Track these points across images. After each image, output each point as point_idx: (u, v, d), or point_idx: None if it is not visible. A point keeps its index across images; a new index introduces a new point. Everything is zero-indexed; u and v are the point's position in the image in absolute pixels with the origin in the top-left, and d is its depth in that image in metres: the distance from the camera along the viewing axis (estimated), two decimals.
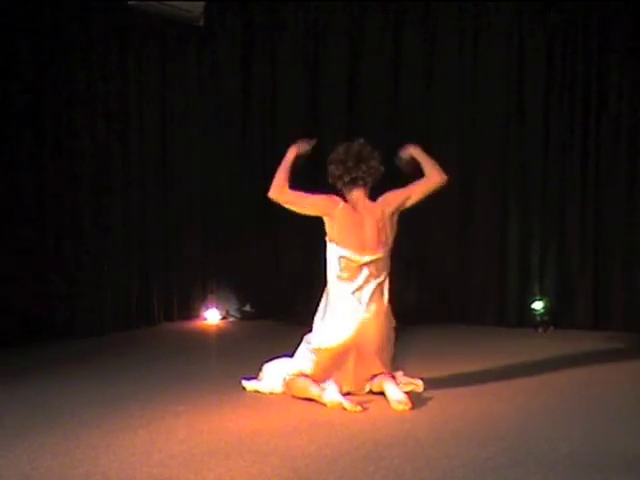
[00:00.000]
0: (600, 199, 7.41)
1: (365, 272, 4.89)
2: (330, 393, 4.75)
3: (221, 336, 7.59)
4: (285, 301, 8.36)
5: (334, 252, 4.94)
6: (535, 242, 7.62)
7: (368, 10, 8.09)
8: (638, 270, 7.31)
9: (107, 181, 7.48)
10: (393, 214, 5.05)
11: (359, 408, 4.64)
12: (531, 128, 7.60)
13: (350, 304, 4.87)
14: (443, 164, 7.75)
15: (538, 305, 7.46)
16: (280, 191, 5.08)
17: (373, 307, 4.88)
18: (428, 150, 7.69)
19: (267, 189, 8.30)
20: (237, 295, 8.40)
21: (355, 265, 4.89)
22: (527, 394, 5.01)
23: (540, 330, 7.34)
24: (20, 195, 6.87)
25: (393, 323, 5.02)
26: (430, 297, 7.92)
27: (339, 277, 4.91)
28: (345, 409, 4.63)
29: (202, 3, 7.88)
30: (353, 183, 5.03)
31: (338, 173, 5.03)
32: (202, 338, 7.47)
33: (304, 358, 4.99)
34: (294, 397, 4.93)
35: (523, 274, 7.65)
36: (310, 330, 5.06)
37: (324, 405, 4.72)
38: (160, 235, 8.02)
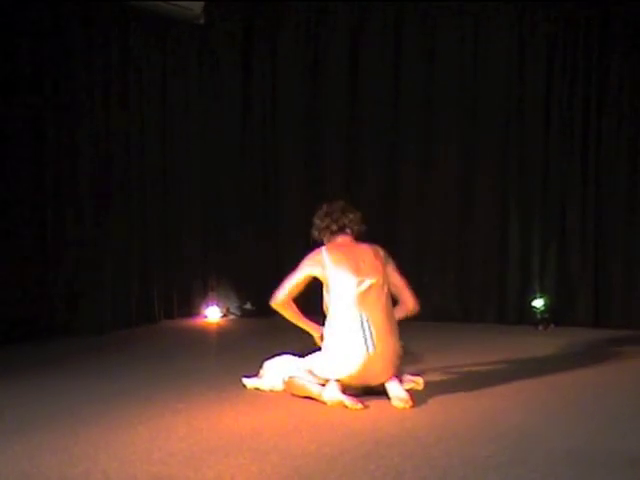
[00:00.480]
0: (600, 197, 7.42)
1: (367, 301, 4.78)
2: (330, 391, 4.74)
3: (221, 334, 7.59)
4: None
5: (335, 288, 4.83)
6: (535, 240, 7.62)
7: (368, 10, 8.07)
8: (638, 268, 7.30)
9: (107, 180, 7.48)
10: (386, 261, 4.98)
11: (360, 406, 4.63)
12: (531, 127, 7.60)
13: (354, 338, 4.74)
14: (443, 163, 7.84)
15: (538, 303, 7.46)
16: (284, 305, 5.15)
17: (379, 342, 4.73)
18: (428, 150, 7.75)
19: (267, 188, 8.41)
20: (237, 293, 8.40)
21: (356, 294, 4.78)
22: (528, 392, 5.00)
23: (540, 328, 7.34)
24: (20, 195, 6.87)
25: (401, 344, 4.94)
26: (430, 295, 7.90)
27: (342, 310, 4.80)
28: (346, 407, 4.63)
29: (202, 2, 7.87)
30: (340, 231, 5.02)
31: (324, 225, 5.04)
32: (202, 336, 7.47)
33: (307, 377, 4.95)
34: (294, 395, 4.92)
35: (524, 272, 7.65)
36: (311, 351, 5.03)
37: (324, 403, 4.71)
38: (160, 233, 8.02)
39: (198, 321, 8.09)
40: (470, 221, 7.86)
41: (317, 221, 5.10)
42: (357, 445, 3.95)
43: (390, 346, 4.79)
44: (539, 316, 7.42)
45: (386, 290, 4.87)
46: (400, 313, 5.01)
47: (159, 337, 7.36)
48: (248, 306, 8.34)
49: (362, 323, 4.74)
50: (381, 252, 4.99)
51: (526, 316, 7.55)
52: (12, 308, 6.70)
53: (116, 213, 7.55)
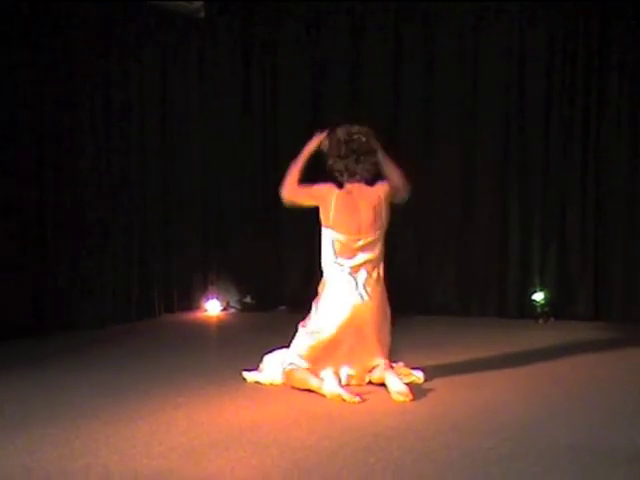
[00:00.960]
0: (601, 191, 7.41)
1: (360, 255, 4.93)
2: (329, 384, 4.75)
3: (221, 327, 7.59)
4: (286, 292, 8.37)
5: (329, 236, 4.97)
6: (536, 233, 7.62)
7: (368, 7, 8.05)
8: (638, 261, 7.31)
9: (107, 175, 7.48)
10: (388, 199, 5.05)
11: (358, 399, 4.64)
12: (532, 125, 7.59)
13: (345, 288, 4.90)
14: (443, 162, 7.83)
15: (539, 296, 7.46)
16: (292, 191, 5.08)
17: (368, 290, 4.91)
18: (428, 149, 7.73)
19: (267, 181, 8.41)
20: (237, 286, 8.40)
21: (350, 248, 4.92)
22: (528, 386, 5.01)
23: (541, 321, 7.35)
24: (21, 189, 6.86)
25: (388, 309, 5.02)
26: (431, 288, 7.92)
27: (334, 261, 4.94)
28: (344, 400, 4.63)
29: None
30: (351, 177, 5.03)
31: (337, 168, 5.04)
32: (202, 329, 7.48)
33: (300, 342, 5.00)
34: (293, 388, 4.93)
35: (524, 265, 7.65)
36: (304, 317, 5.07)
37: (324, 396, 4.72)
38: (161, 227, 8.02)
39: (198, 315, 8.10)
40: (471, 219, 7.85)
41: (330, 160, 5.04)
42: (357, 438, 3.95)
43: (377, 292, 4.94)
44: (539, 310, 7.42)
45: (380, 241, 5.01)
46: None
47: (159, 331, 7.37)
48: (248, 300, 8.34)
49: (351, 275, 4.89)
50: (383, 194, 5.01)
51: (526, 310, 7.55)
52: (12, 303, 6.70)
53: (116, 207, 7.54)
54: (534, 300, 7.48)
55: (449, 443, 3.86)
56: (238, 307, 8.36)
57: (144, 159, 7.85)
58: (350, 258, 4.93)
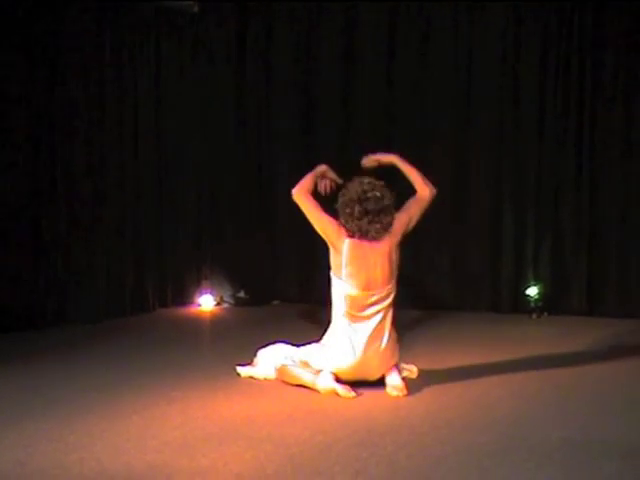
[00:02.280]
0: (595, 184, 7.41)
1: (370, 309, 4.76)
2: (323, 380, 4.76)
3: (215, 322, 7.59)
4: (280, 287, 8.38)
5: (340, 289, 4.78)
6: (529, 227, 7.62)
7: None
8: (633, 256, 7.33)
9: (101, 168, 7.47)
10: (399, 242, 4.91)
11: (353, 394, 4.65)
12: (525, 114, 7.59)
13: (352, 338, 4.74)
14: (436, 152, 7.83)
15: (532, 291, 7.47)
16: (302, 193, 4.99)
17: (376, 343, 4.74)
18: (421, 145, 7.72)
19: (262, 175, 8.41)
20: (231, 281, 8.40)
21: (362, 304, 4.75)
22: (521, 381, 5.02)
23: (534, 316, 7.36)
24: (12, 182, 6.86)
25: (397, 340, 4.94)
26: (423, 284, 7.92)
27: (345, 313, 4.78)
28: (339, 396, 4.64)
29: None
30: (364, 237, 4.79)
31: (349, 228, 4.78)
32: (196, 324, 7.48)
33: (304, 355, 4.96)
34: (286, 383, 4.94)
35: (517, 260, 7.66)
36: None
37: (318, 392, 4.73)
38: (154, 221, 8.01)
39: (192, 310, 8.10)
40: (464, 213, 7.85)
41: (343, 218, 4.80)
42: (350, 433, 3.97)
43: (385, 340, 4.78)
44: (533, 304, 7.43)
45: (393, 291, 4.85)
46: (418, 207, 5.06)
47: (153, 326, 7.36)
48: (242, 294, 8.34)
49: (359, 325, 4.75)
50: (395, 241, 4.86)
51: (520, 305, 7.56)
52: (4, 296, 6.69)
53: (109, 200, 7.53)
54: (527, 295, 7.48)
55: (443, 438, 3.87)
56: (232, 302, 8.35)
57: (137, 154, 7.83)
58: (361, 311, 4.75)
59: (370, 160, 5.18)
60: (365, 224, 4.73)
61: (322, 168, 5.16)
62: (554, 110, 7.51)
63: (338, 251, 4.80)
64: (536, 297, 7.45)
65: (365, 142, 7.58)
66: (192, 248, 8.37)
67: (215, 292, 8.34)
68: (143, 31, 7.81)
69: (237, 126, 8.49)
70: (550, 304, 7.46)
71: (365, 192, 4.77)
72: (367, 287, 4.75)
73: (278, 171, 8.30)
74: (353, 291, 4.75)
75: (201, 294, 8.28)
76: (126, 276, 7.68)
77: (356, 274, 4.74)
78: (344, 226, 4.80)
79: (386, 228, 4.80)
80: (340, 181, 5.11)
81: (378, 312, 4.76)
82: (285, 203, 8.11)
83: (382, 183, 4.87)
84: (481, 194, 7.80)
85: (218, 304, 8.29)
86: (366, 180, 4.84)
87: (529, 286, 7.52)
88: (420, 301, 7.79)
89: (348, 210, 4.77)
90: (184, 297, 8.26)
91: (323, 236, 4.89)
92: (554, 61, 7.49)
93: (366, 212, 4.73)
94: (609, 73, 7.33)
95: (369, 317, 4.76)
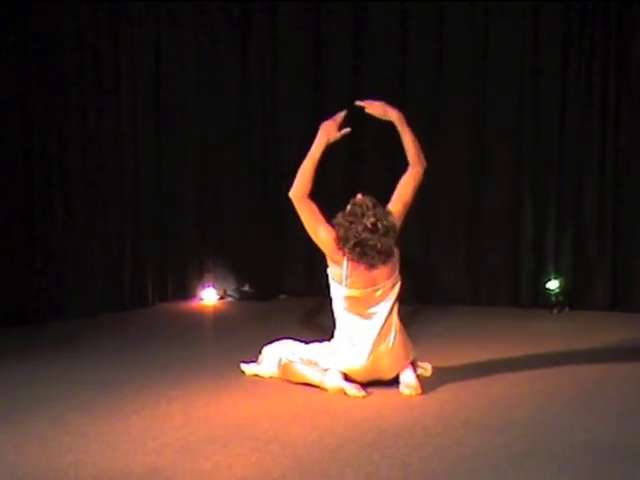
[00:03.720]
0: (620, 174, 7.37)
1: (377, 305, 4.72)
2: (332, 378, 4.73)
3: (218, 317, 7.58)
4: (286, 281, 8.37)
5: (341, 291, 4.74)
6: (551, 218, 7.58)
7: None
8: None
9: (98, 157, 7.45)
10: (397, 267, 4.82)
11: (363, 394, 4.62)
12: (547, 105, 7.54)
13: (359, 338, 4.71)
14: (454, 142, 7.80)
15: (553, 285, 7.44)
16: (300, 196, 4.76)
17: (385, 340, 4.71)
18: (437, 131, 7.68)
19: (267, 164, 8.39)
20: (235, 274, 8.38)
21: (366, 300, 4.71)
22: (542, 380, 4.99)
23: (555, 311, 7.33)
24: (6, 173, 6.87)
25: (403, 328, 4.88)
26: (440, 277, 7.89)
27: (348, 312, 4.75)
28: (348, 395, 4.62)
29: None
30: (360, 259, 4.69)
31: (348, 255, 4.66)
32: (198, 319, 7.47)
33: (310, 353, 4.93)
34: (290, 382, 4.91)
35: (538, 253, 7.62)
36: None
37: (326, 391, 4.71)
38: (155, 211, 8.00)
39: (194, 304, 8.09)
40: (481, 202, 7.82)
41: (345, 247, 4.66)
42: (361, 434, 3.95)
43: (396, 344, 4.74)
44: (553, 299, 7.40)
45: (397, 287, 4.78)
46: (411, 185, 4.97)
47: (153, 321, 7.36)
48: (246, 288, 8.32)
49: (366, 319, 4.71)
50: (396, 261, 4.77)
51: (540, 299, 7.53)
52: None
53: (108, 191, 7.52)
54: (548, 288, 7.45)
55: (459, 439, 3.85)
56: (236, 296, 8.34)
57: (137, 143, 7.80)
58: (366, 309, 4.71)
59: (376, 107, 5.04)
60: (369, 258, 4.62)
61: (321, 146, 4.81)
62: (577, 98, 7.45)
63: (336, 263, 4.74)
64: (557, 291, 7.41)
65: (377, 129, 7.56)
66: (194, 239, 8.35)
67: (218, 285, 8.32)
68: (142, 25, 7.81)
69: (241, 116, 8.46)
70: (572, 298, 7.43)
71: (367, 240, 4.58)
72: (372, 284, 4.70)
73: (285, 163, 8.29)
74: (356, 292, 4.71)
75: (203, 288, 8.26)
76: (124, 269, 7.66)
77: (360, 280, 4.69)
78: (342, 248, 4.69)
79: (381, 259, 4.66)
80: (348, 130, 4.87)
81: (384, 307, 4.72)
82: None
83: (386, 212, 4.71)
84: (500, 184, 7.75)
85: (221, 298, 8.27)
86: (370, 219, 4.61)
87: (550, 279, 7.48)
88: (435, 296, 7.77)
89: (350, 246, 4.62)
90: (185, 291, 8.24)
91: (321, 247, 4.80)
92: (576, 45, 7.43)
93: (363, 244, 4.59)
94: (636, 60, 7.26)
95: (375, 314, 4.72)
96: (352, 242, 4.60)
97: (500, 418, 4.19)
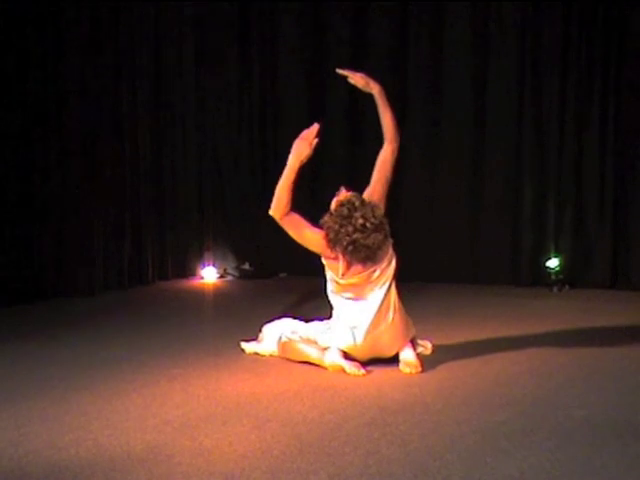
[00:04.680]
0: (620, 151, 7.36)
1: (375, 284, 4.73)
2: (331, 356, 4.75)
3: (218, 296, 7.60)
4: (287, 259, 8.37)
5: (336, 279, 4.75)
6: (550, 196, 7.58)
7: None
8: None
9: (96, 134, 7.46)
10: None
11: (363, 372, 4.64)
12: (546, 80, 7.52)
13: (358, 317, 4.72)
14: (453, 119, 7.79)
15: (553, 263, 7.45)
16: (280, 215, 4.80)
17: (385, 318, 4.72)
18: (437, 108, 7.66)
19: (267, 141, 8.39)
20: (235, 253, 8.40)
21: (364, 282, 4.72)
22: (542, 358, 5.01)
23: (555, 289, 7.34)
24: (4, 151, 6.86)
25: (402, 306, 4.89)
26: (440, 255, 7.90)
27: (342, 293, 4.77)
28: (347, 373, 4.64)
29: None
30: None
31: (342, 254, 4.67)
32: (198, 298, 7.49)
33: (310, 331, 4.95)
34: (290, 360, 4.93)
35: (537, 231, 7.63)
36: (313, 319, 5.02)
37: (325, 369, 4.73)
38: (154, 189, 8.01)
39: (194, 282, 8.10)
40: (481, 179, 7.83)
41: (335, 247, 4.67)
42: (361, 412, 3.97)
43: (396, 321, 4.76)
44: (553, 277, 7.41)
45: (393, 263, 4.77)
46: (389, 163, 4.90)
47: (153, 299, 7.38)
48: (246, 267, 8.34)
49: (357, 310, 4.72)
50: (389, 243, 4.77)
51: (540, 277, 7.54)
52: None
53: (107, 169, 7.52)
54: (548, 267, 7.46)
55: (458, 417, 3.87)
56: (236, 274, 8.36)
57: (137, 121, 7.81)
58: (364, 289, 4.72)
59: (359, 78, 5.02)
60: (359, 259, 4.65)
61: (295, 166, 4.75)
62: (577, 76, 7.43)
63: (331, 259, 4.74)
64: (557, 269, 7.43)
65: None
66: (194, 217, 8.36)
67: (218, 264, 8.34)
68: (143, 24, 7.85)
69: (241, 94, 8.46)
70: (572, 277, 7.45)
71: (358, 240, 4.58)
72: (368, 268, 4.70)
73: (286, 138, 8.28)
74: (353, 280, 4.72)
75: (204, 266, 8.29)
76: (124, 247, 7.68)
77: (356, 270, 4.70)
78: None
79: (371, 262, 4.69)
80: (315, 139, 4.78)
81: (381, 287, 4.73)
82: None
83: (373, 208, 4.67)
84: (499, 160, 7.75)
85: (221, 277, 8.30)
86: (359, 221, 4.59)
87: (550, 258, 7.49)
88: (435, 274, 7.78)
89: (341, 245, 4.62)
90: (185, 269, 8.27)
91: (315, 251, 4.79)
92: (577, 22, 7.41)
93: (361, 248, 4.61)
94: (636, 27, 7.24)
95: (371, 292, 4.72)
96: (344, 243, 4.60)
97: (499, 396, 4.21)
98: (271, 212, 4.84)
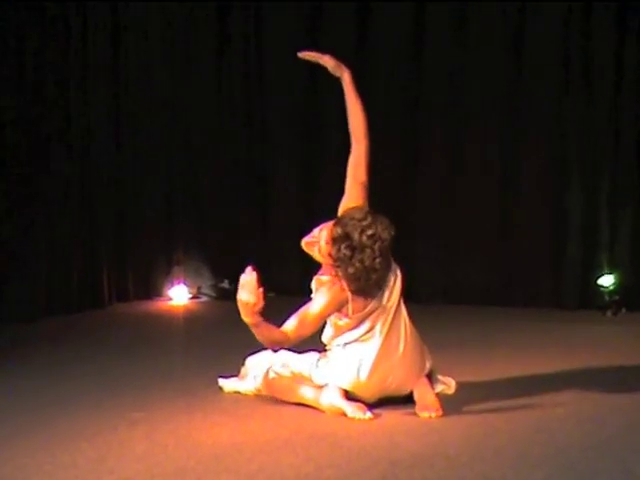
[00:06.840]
0: None
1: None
2: (329, 395, 4.74)
3: (191, 321, 7.62)
4: (275, 276, 8.39)
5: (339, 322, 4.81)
6: (603, 201, 7.61)
7: None
8: None
9: (42, 120, 7.51)
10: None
11: (369, 415, 4.63)
12: (597, 61, 7.60)
13: (364, 345, 4.75)
14: (481, 113, 7.86)
15: (607, 281, 7.48)
16: (292, 341, 4.75)
17: (395, 345, 4.76)
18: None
19: (253, 136, 8.46)
20: (211, 268, 8.42)
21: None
22: (592, 398, 5.01)
23: (609, 313, 7.37)
24: None
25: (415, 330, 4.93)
26: (471, 272, 7.91)
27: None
28: (349, 417, 4.63)
29: None
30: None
31: (341, 276, 4.75)
32: (166, 323, 7.51)
33: (305, 366, 4.97)
34: (277, 400, 4.93)
35: (587, 242, 7.66)
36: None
37: (323, 412, 4.73)
38: (112, 191, 8.03)
39: (160, 305, 8.12)
40: (517, 179, 7.88)
41: (339, 268, 4.74)
42: (368, 467, 3.96)
43: (409, 350, 4.79)
44: (607, 298, 7.44)
45: (399, 279, 4.82)
46: (363, 164, 4.97)
47: (109, 326, 7.39)
48: (225, 284, 8.35)
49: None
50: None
51: (590, 299, 7.56)
52: None
53: (51, 165, 7.54)
54: (600, 285, 7.49)
55: (489, 473, 3.86)
56: (212, 294, 8.38)
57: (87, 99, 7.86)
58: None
59: (328, 59, 5.12)
60: (364, 281, 4.69)
61: (248, 311, 4.62)
62: (634, 59, 7.49)
63: (344, 306, 4.77)
64: (611, 289, 7.45)
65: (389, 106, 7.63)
66: (161, 226, 8.38)
67: (191, 282, 8.36)
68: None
69: (219, 84, 8.57)
70: (629, 298, 7.46)
71: (372, 237, 4.65)
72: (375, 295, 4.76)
73: (274, 132, 8.39)
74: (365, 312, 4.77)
75: (172, 285, 8.30)
76: (74, 261, 7.69)
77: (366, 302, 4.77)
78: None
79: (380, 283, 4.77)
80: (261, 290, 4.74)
81: (390, 309, 4.76)
82: (281, 170, 8.24)
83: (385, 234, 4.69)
84: (538, 156, 7.80)
85: (194, 297, 8.31)
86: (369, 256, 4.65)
87: (602, 275, 7.51)
88: (459, 294, 7.80)
89: (344, 268, 4.70)
90: (149, 289, 8.30)
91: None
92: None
93: (366, 269, 4.66)
94: None
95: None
96: (362, 273, 4.65)
97: (540, 446, 4.21)
98: (285, 346, 4.81)
